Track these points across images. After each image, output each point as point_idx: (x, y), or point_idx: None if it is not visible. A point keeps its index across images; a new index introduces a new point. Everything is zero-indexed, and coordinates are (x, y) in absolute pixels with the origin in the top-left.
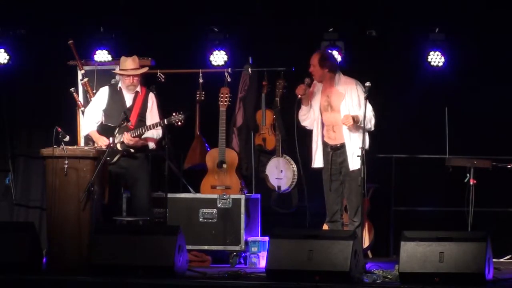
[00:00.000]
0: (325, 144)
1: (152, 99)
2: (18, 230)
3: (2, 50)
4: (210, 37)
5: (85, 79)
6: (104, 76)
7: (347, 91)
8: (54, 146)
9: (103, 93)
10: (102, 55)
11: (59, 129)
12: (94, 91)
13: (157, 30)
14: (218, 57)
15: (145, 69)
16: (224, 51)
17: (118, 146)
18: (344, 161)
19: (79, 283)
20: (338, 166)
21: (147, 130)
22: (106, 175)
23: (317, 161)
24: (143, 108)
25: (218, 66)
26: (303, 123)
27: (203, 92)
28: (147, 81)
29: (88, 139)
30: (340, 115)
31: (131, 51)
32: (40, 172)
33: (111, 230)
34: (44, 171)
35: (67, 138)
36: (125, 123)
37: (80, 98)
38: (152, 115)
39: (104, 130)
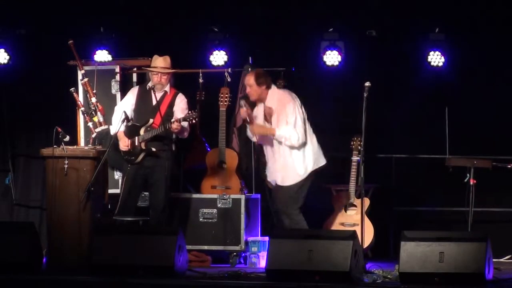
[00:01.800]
0: None
1: (180, 98)
2: (18, 230)
3: (2, 50)
4: (210, 37)
5: (85, 79)
6: (104, 76)
7: (277, 106)
8: (54, 146)
9: (133, 92)
10: (102, 55)
11: (59, 129)
12: (94, 91)
13: (157, 30)
14: (218, 57)
15: (174, 70)
16: (224, 51)
17: (143, 145)
18: None
19: (79, 283)
20: None
21: (169, 127)
22: (106, 175)
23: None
24: (169, 108)
25: (218, 66)
26: (252, 139)
27: (203, 92)
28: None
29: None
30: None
31: (131, 51)
32: (40, 172)
33: (111, 230)
34: (44, 171)
35: (67, 138)
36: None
37: (80, 98)
38: (178, 110)
39: (130, 129)
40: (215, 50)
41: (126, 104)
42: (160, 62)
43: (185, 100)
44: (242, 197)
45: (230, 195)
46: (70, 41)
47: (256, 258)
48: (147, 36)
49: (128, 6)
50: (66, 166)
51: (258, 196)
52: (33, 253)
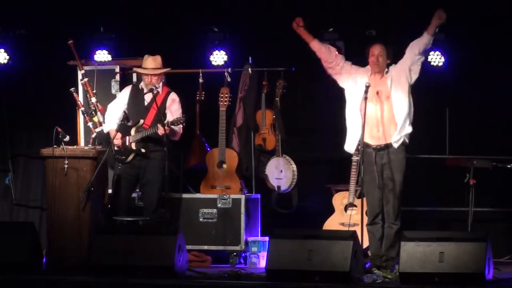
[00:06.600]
0: (366, 145)
1: (172, 97)
2: (18, 230)
3: (2, 50)
4: (210, 37)
5: (85, 79)
6: (104, 76)
7: (393, 75)
8: (54, 146)
9: (126, 91)
10: (102, 55)
11: (59, 129)
12: (94, 91)
13: (157, 30)
14: (218, 57)
15: (165, 70)
16: (224, 51)
17: (133, 146)
18: (388, 162)
19: (79, 283)
20: (381, 167)
21: (158, 129)
22: (106, 175)
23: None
24: (161, 108)
25: (218, 66)
26: (328, 71)
27: (203, 92)
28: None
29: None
30: (389, 105)
31: (131, 51)
32: (40, 172)
33: (111, 230)
34: (44, 171)
35: (67, 138)
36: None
37: (80, 98)
38: (172, 112)
39: (122, 128)
40: (215, 50)
41: (119, 103)
42: (150, 63)
43: (177, 99)
44: (242, 197)
45: (230, 195)
46: (70, 41)
47: (256, 258)
48: (147, 36)
49: (128, 6)
50: (66, 166)
51: (258, 196)
52: (33, 253)
